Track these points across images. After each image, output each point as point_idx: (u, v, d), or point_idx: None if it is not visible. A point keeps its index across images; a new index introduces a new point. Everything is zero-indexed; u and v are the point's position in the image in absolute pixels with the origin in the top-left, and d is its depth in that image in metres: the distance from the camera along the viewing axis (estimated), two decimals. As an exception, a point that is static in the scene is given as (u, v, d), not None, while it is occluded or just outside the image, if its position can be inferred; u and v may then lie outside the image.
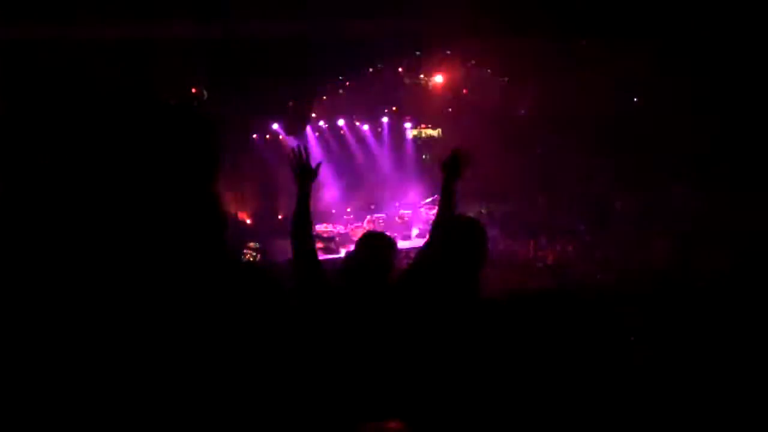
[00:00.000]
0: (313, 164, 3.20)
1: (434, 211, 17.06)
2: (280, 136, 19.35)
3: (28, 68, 13.27)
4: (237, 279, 1.23)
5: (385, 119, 20.80)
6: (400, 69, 19.80)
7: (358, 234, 17.92)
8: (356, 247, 3.01)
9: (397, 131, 21.11)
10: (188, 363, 1.10)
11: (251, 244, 15.95)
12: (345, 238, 17.19)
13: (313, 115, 19.62)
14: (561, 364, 1.20)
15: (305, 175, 3.13)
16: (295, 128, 19.26)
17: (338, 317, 2.75)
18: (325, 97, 19.77)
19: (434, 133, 21.60)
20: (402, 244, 17.29)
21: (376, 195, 19.65)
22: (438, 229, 2.80)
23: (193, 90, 16.60)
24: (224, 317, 1.16)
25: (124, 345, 1.05)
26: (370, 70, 19.33)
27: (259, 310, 1.23)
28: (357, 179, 20.34)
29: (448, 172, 3.31)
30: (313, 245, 3.09)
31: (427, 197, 18.93)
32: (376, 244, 2.99)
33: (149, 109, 1.21)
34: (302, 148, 3.23)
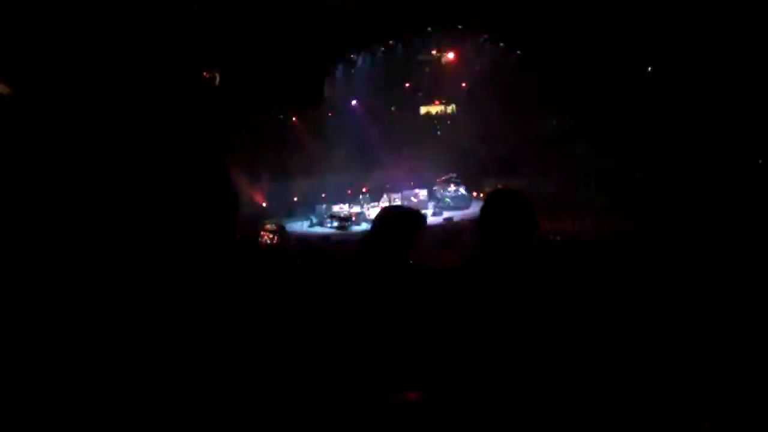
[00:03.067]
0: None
1: (449, 189, 17.01)
2: (294, 118, 19.32)
3: (37, 45, 13.31)
4: (255, 261, 1.23)
5: (398, 97, 20.68)
6: (412, 46, 19.64)
7: (374, 213, 18.03)
8: (375, 222, 2.90)
9: (410, 108, 20.99)
10: (205, 344, 1.10)
11: (268, 226, 16.03)
12: (362, 218, 17.22)
13: (326, 95, 19.54)
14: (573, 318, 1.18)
15: None
16: (309, 108, 19.23)
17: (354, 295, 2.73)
18: (337, 76, 19.69)
19: (448, 109, 21.45)
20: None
21: (391, 174, 19.61)
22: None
23: (205, 73, 16.60)
24: (241, 298, 1.16)
25: (138, 326, 1.06)
26: (383, 47, 19.20)
27: (275, 291, 1.23)
28: (372, 158, 20.30)
29: None
30: None
31: (442, 175, 18.86)
32: (395, 220, 2.89)
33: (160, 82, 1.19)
34: None
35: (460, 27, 18.29)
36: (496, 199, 2.64)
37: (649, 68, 16.55)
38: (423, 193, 18.61)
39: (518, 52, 18.76)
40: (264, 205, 18.46)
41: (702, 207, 14.30)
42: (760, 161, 14.76)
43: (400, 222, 2.85)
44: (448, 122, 21.21)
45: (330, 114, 20.14)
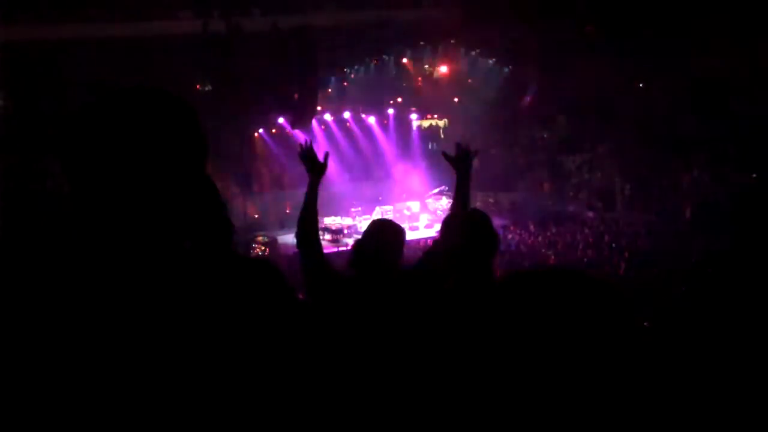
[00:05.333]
0: (321, 158, 3.24)
1: (442, 202, 17.01)
2: (287, 130, 19.35)
3: (30, 67, 13.32)
4: (244, 273, 1.24)
5: (390, 110, 20.76)
6: (404, 60, 19.76)
7: (366, 226, 18.06)
8: (365, 234, 3.03)
9: (403, 122, 21.07)
10: (191, 362, 1.10)
11: (259, 238, 16.01)
12: (353, 230, 17.21)
13: (319, 108, 19.60)
14: (572, 345, 1.19)
15: (315, 167, 3.20)
16: (301, 122, 19.25)
17: (347, 307, 2.76)
18: (330, 90, 19.75)
19: (440, 123, 21.55)
20: (410, 235, 17.29)
21: (383, 186, 19.65)
22: (449, 225, 2.78)
23: (198, 86, 16.63)
24: (230, 313, 1.16)
25: (123, 344, 1.06)
26: (375, 61, 19.29)
27: (266, 306, 1.23)
28: (364, 171, 20.33)
29: (460, 167, 3.30)
30: (318, 235, 3.18)
31: (434, 188, 18.91)
32: (386, 231, 3.01)
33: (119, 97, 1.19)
34: (310, 142, 3.28)
35: (452, 42, 18.44)
36: (452, 222, 2.71)
37: (641, 84, 16.71)
38: (415, 206, 18.63)
39: (510, 66, 18.89)
40: (256, 216, 18.44)
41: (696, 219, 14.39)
42: (754, 175, 14.87)
43: (389, 231, 2.97)
44: (441, 136, 21.29)
45: (323, 126, 20.19)
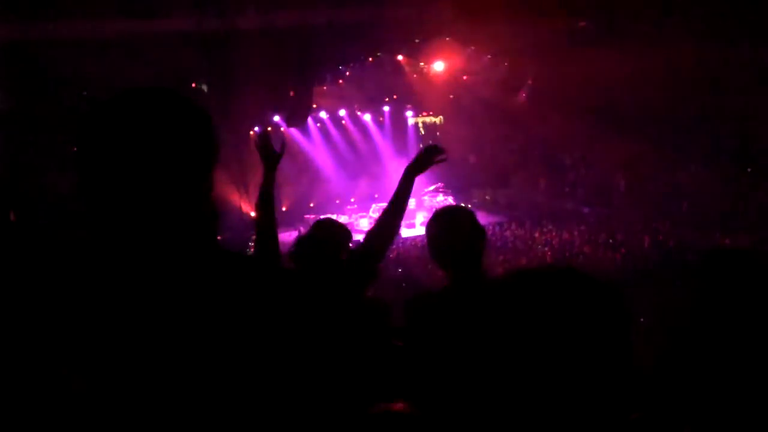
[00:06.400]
0: (277, 147, 3.24)
1: (438, 199, 17.00)
2: (282, 128, 19.32)
3: (30, 66, 13.28)
4: (240, 271, 1.23)
5: (386, 108, 20.74)
6: (400, 57, 19.73)
7: (363, 224, 17.98)
8: (308, 230, 3.11)
9: (398, 119, 21.06)
10: (188, 358, 1.10)
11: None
12: (350, 228, 17.16)
13: (314, 105, 19.58)
14: (569, 342, 1.19)
15: (270, 156, 3.20)
16: (297, 119, 19.23)
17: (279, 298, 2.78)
18: (325, 88, 19.72)
19: (436, 119, 21.54)
20: (407, 233, 17.28)
21: (379, 184, 19.63)
22: (435, 223, 2.77)
23: (193, 84, 16.58)
24: (224, 310, 1.16)
25: (118, 342, 1.05)
26: (370, 59, 19.26)
27: (260, 303, 1.23)
28: (360, 169, 20.31)
29: (416, 163, 3.29)
30: (274, 224, 3.23)
31: (430, 185, 18.91)
32: (325, 229, 3.08)
33: (142, 98, 1.19)
34: (265, 131, 3.31)
35: (447, 39, 18.41)
36: (440, 219, 2.71)
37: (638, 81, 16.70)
38: (412, 203, 18.60)
39: (505, 63, 18.89)
40: (252, 214, 18.39)
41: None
42: (749, 170, 14.93)
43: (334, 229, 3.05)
44: (437, 133, 21.29)
45: (318, 124, 20.16)
